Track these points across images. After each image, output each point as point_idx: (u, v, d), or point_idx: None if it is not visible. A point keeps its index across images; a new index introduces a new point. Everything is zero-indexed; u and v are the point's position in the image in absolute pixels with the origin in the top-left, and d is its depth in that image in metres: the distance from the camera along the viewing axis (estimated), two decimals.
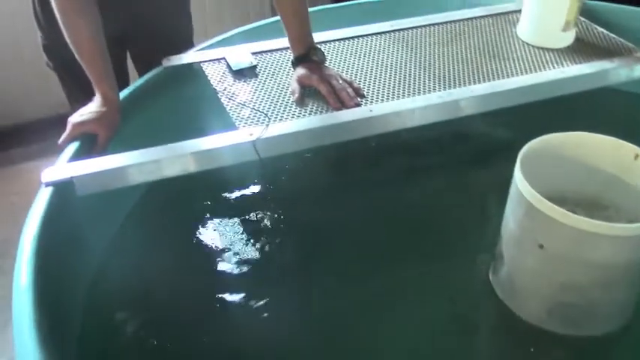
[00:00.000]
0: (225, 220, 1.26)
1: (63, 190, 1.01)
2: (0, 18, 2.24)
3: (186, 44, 1.50)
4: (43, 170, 1.03)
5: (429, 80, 1.31)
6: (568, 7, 1.41)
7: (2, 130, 2.45)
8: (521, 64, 1.38)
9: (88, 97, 1.19)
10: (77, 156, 1.09)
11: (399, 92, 1.27)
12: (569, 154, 1.07)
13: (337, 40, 1.48)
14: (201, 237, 1.22)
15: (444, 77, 1.32)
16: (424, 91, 1.27)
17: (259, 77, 1.33)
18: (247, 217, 1.27)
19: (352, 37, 1.49)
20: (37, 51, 1.46)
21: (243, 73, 1.33)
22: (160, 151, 1.08)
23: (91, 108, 1.15)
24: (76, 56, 1.15)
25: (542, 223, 0.92)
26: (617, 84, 1.40)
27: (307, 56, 1.30)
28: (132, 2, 1.39)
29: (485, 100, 1.26)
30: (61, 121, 1.58)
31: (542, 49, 1.44)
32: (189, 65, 1.38)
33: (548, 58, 1.40)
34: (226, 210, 1.29)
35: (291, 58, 1.33)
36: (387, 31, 1.52)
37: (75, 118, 1.14)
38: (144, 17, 1.42)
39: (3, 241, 2.02)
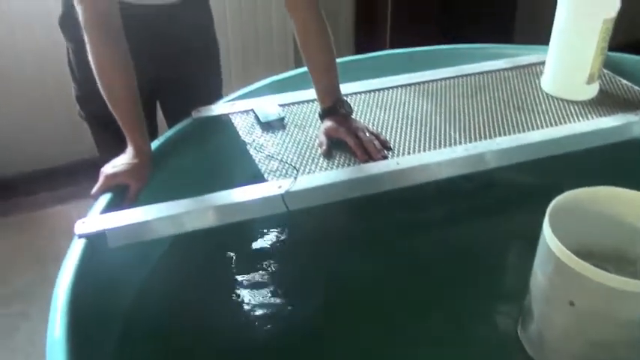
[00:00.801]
0: (253, 269, 1.27)
1: (95, 241, 1.03)
2: (32, 65, 2.30)
3: (215, 95, 1.53)
4: (70, 214, 1.05)
5: (455, 132, 1.32)
6: (592, 60, 1.43)
7: (32, 175, 2.50)
8: (546, 116, 1.39)
9: (118, 146, 1.21)
10: (109, 207, 1.11)
11: (425, 144, 1.28)
12: (596, 209, 1.07)
13: (363, 92, 1.50)
14: (228, 283, 1.23)
15: (469, 129, 1.34)
16: (450, 144, 1.28)
17: (287, 129, 1.35)
18: (272, 264, 1.28)
19: (378, 89, 1.52)
20: (68, 99, 1.50)
21: (271, 125, 1.36)
22: (190, 203, 1.09)
23: (124, 160, 1.18)
24: (110, 108, 1.19)
25: (572, 280, 0.92)
26: None
27: (334, 109, 1.32)
28: (164, 55, 1.43)
29: (511, 153, 1.27)
30: (88, 166, 1.62)
31: (567, 101, 1.45)
32: (219, 117, 1.41)
33: (572, 110, 1.42)
34: (253, 258, 1.30)
35: (319, 110, 1.36)
36: (413, 83, 1.54)
37: (107, 169, 1.17)
38: (175, 69, 1.46)
39: (28, 285, 2.04)
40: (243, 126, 1.37)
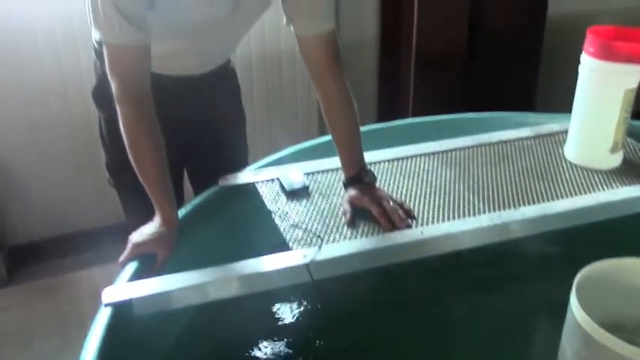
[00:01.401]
0: (276, 337, 1.27)
1: (121, 309, 1.04)
2: (64, 132, 2.37)
3: (241, 163, 1.56)
4: (94, 280, 1.07)
5: (478, 201, 1.33)
6: (614, 129, 1.44)
7: (58, 239, 2.53)
8: (570, 185, 1.39)
9: (146, 213, 1.23)
10: (136, 276, 1.12)
11: (448, 214, 1.29)
12: (624, 281, 1.06)
13: (387, 160, 1.52)
14: (252, 350, 1.22)
15: (493, 198, 1.34)
16: (474, 213, 1.29)
17: (311, 198, 1.37)
18: (296, 333, 1.27)
19: (401, 158, 1.53)
20: (97, 166, 1.54)
21: (296, 194, 1.38)
22: (214, 272, 1.10)
23: (151, 228, 1.20)
24: (139, 177, 1.21)
25: (602, 355, 0.90)
26: None
27: (358, 178, 1.34)
28: (192, 124, 1.46)
29: (535, 223, 1.27)
30: (114, 232, 1.65)
31: (590, 170, 1.46)
32: (244, 185, 1.43)
33: (596, 179, 1.42)
34: (278, 327, 1.30)
35: (343, 178, 1.37)
36: (436, 152, 1.56)
37: (135, 237, 1.19)
38: (203, 138, 1.50)
39: (53, 350, 2.04)
40: (269, 194, 1.39)
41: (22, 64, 2.22)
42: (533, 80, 2.70)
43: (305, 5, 1.25)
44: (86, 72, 2.02)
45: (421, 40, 2.38)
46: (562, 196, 1.35)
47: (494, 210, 1.30)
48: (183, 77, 1.41)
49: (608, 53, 1.38)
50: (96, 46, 1.38)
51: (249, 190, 1.42)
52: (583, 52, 1.43)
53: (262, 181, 1.44)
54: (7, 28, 2.15)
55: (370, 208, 1.27)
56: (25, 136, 2.33)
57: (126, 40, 1.13)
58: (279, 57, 2.52)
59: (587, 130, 1.48)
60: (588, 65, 1.42)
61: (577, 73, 1.46)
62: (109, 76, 1.18)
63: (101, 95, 1.41)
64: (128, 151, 1.20)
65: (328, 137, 1.42)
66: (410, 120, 1.82)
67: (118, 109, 1.18)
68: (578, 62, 1.44)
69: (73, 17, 2.16)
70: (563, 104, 1.64)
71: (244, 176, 1.46)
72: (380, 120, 2.57)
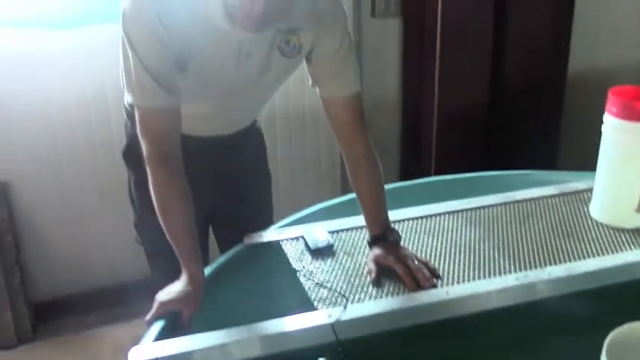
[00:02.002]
0: None
1: None
2: (93, 191, 2.41)
3: (266, 221, 1.57)
4: (117, 336, 1.07)
5: (504, 261, 1.32)
6: None
7: (82, 295, 2.54)
8: (597, 244, 1.39)
9: (172, 271, 1.24)
10: (162, 335, 1.13)
11: (474, 273, 1.28)
12: None
13: (411, 219, 1.52)
14: None
15: (519, 258, 1.34)
16: (499, 273, 1.28)
17: (336, 256, 1.38)
18: None
19: (426, 216, 1.54)
20: (124, 224, 1.56)
21: (321, 252, 1.38)
22: (239, 332, 1.11)
23: (178, 287, 1.21)
24: (167, 235, 1.23)
25: None
26: None
27: (383, 236, 1.34)
28: (219, 184, 1.49)
29: (562, 283, 1.26)
30: (138, 288, 1.66)
31: (617, 229, 1.45)
32: (269, 243, 1.44)
33: (623, 238, 1.41)
34: None
35: (367, 237, 1.38)
36: (460, 210, 1.56)
37: (162, 296, 1.20)
38: (230, 197, 1.52)
39: None
40: (293, 253, 1.40)
41: (53, 123, 2.28)
42: (556, 137, 2.71)
43: (331, 69, 1.29)
44: (116, 133, 2.09)
45: (443, 99, 2.41)
46: (589, 256, 1.34)
47: (520, 269, 1.29)
48: (211, 138, 1.44)
49: (630, 113, 1.39)
50: (127, 107, 1.43)
51: (274, 248, 1.43)
52: (606, 112, 1.44)
53: (287, 240, 1.45)
54: (40, 87, 2.21)
55: (395, 267, 1.27)
56: (55, 193, 2.38)
57: (157, 102, 1.17)
58: (303, 114, 2.56)
59: (612, 189, 1.48)
60: (611, 125, 1.43)
61: (600, 130, 1.47)
62: (139, 137, 1.21)
63: (131, 155, 1.45)
64: (157, 210, 1.22)
65: (352, 195, 1.44)
66: (433, 178, 1.83)
67: (147, 169, 1.21)
68: (600, 118, 1.45)
69: (105, 79, 2.22)
70: (586, 161, 1.65)
71: (269, 234, 1.47)
72: (403, 178, 2.58)
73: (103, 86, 2.25)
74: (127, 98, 1.23)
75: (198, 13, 1.15)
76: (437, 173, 2.39)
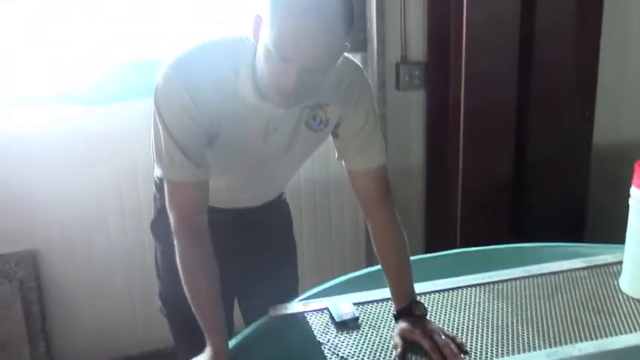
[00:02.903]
0: None
1: None
2: (121, 260, 2.43)
3: (292, 293, 1.57)
4: None
5: (533, 336, 1.30)
6: None
7: None
8: (627, 320, 1.36)
9: (196, 342, 1.24)
10: None
11: (502, 348, 1.26)
12: None
13: (436, 291, 1.51)
14: None
15: (548, 332, 1.31)
16: (528, 348, 1.26)
17: (362, 329, 1.36)
18: None
19: (452, 289, 1.52)
20: (149, 293, 1.56)
21: (346, 325, 1.37)
22: None
23: (202, 359, 1.20)
24: (193, 307, 1.23)
25: None
26: None
27: (409, 310, 1.33)
28: (245, 255, 1.50)
29: None
30: (160, 357, 1.65)
31: None
32: (294, 315, 1.44)
33: None
34: None
35: (393, 310, 1.37)
36: (487, 283, 1.54)
37: None
38: (255, 269, 1.52)
39: None
40: (318, 325, 1.39)
41: (84, 196, 2.33)
42: (581, 208, 2.68)
43: (357, 144, 1.31)
44: (145, 203, 2.13)
45: (467, 172, 2.42)
46: (620, 332, 1.31)
47: (550, 345, 1.27)
48: (236, 210, 1.46)
49: None
50: (157, 180, 1.46)
51: (299, 320, 1.42)
52: (632, 185, 1.43)
53: (312, 312, 1.44)
54: (73, 158, 2.27)
55: (421, 342, 1.25)
56: (83, 261, 2.40)
57: (186, 176, 1.20)
58: (328, 184, 2.58)
59: None
60: (638, 198, 1.43)
61: (626, 201, 1.46)
62: (168, 209, 1.24)
63: (159, 227, 1.47)
64: (183, 281, 1.23)
65: (377, 267, 1.44)
66: (459, 250, 1.82)
67: (175, 241, 1.23)
68: (626, 191, 1.45)
69: (136, 151, 2.28)
70: (613, 233, 1.63)
71: (294, 306, 1.47)
72: (427, 249, 2.57)
73: (134, 158, 2.31)
74: (157, 171, 1.26)
75: (228, 90, 1.19)
76: (462, 245, 2.37)
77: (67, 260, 2.39)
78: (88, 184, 2.32)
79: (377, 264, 1.42)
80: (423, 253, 1.83)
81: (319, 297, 1.51)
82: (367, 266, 1.72)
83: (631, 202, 1.45)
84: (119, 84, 2.23)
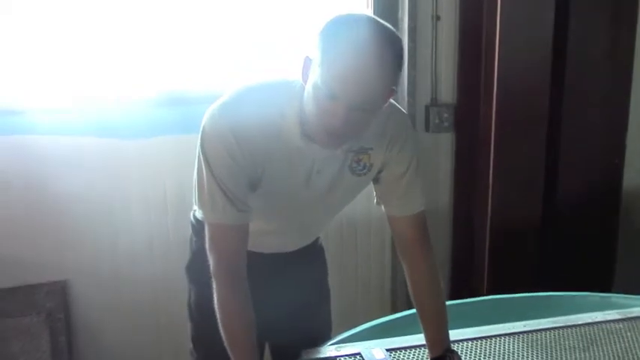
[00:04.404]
0: None
1: None
2: (150, 299, 2.42)
3: (324, 338, 1.56)
4: None
5: None
6: None
7: None
8: None
9: None
10: None
11: None
12: None
13: (470, 339, 1.50)
14: None
15: None
16: None
17: None
18: None
19: (485, 337, 1.51)
20: (176, 337, 1.54)
21: None
22: None
23: None
24: (229, 350, 1.22)
25: None
26: None
27: (444, 358, 1.32)
28: (278, 300, 1.49)
29: None
30: None
31: None
32: (326, 359, 1.43)
33: None
34: None
35: (427, 357, 1.35)
36: (520, 332, 1.53)
37: None
38: (288, 314, 1.52)
39: None
40: None
41: (114, 229, 2.34)
42: (611, 257, 2.65)
43: (399, 190, 1.31)
44: (174, 241, 2.14)
45: (495, 218, 2.41)
46: None
47: None
48: (274, 255, 1.46)
49: None
50: (194, 222, 1.47)
51: None
52: None
53: (344, 356, 1.44)
54: (104, 191, 2.29)
55: None
56: (111, 294, 2.39)
57: (228, 220, 1.21)
58: (355, 229, 2.56)
59: None
60: None
61: None
62: (208, 252, 1.24)
63: (194, 270, 1.48)
64: (220, 324, 1.22)
65: (406, 312, 1.43)
66: (491, 297, 1.81)
67: (213, 284, 1.23)
68: None
69: (167, 189, 2.30)
70: None
71: (327, 351, 1.46)
72: (453, 296, 2.52)
73: (164, 194, 2.32)
74: (198, 214, 1.27)
75: (273, 132, 1.20)
76: (488, 292, 2.35)
77: (96, 292, 2.38)
78: (119, 217, 2.33)
79: (402, 309, 1.41)
80: (448, 298, 1.82)
81: (350, 341, 1.51)
82: (392, 311, 1.71)
83: None
84: (151, 120, 2.25)
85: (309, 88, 1.13)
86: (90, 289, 2.38)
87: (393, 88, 1.14)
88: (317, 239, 1.58)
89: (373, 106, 1.12)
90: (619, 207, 2.64)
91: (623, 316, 1.61)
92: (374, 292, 2.67)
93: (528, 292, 1.82)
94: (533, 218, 2.45)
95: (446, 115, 2.56)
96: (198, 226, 1.46)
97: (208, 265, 1.25)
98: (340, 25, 1.10)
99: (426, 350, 1.38)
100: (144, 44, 2.17)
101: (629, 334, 1.53)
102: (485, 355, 1.44)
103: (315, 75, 1.10)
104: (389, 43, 1.08)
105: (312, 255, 1.56)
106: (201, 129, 1.21)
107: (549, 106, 2.38)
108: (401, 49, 1.11)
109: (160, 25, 2.18)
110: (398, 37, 1.10)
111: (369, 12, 2.36)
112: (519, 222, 2.44)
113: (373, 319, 1.66)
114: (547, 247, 2.49)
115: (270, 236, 1.40)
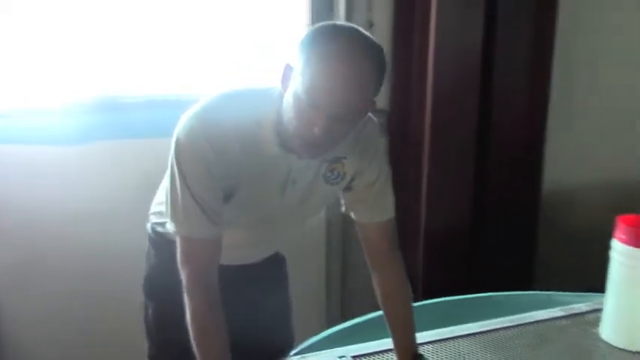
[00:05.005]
0: None
1: None
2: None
3: (286, 349, 1.54)
4: None
5: None
6: None
7: None
8: None
9: None
10: None
11: None
12: None
13: (428, 342, 1.52)
14: None
15: None
16: None
17: None
18: None
19: (443, 340, 1.54)
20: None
21: None
22: None
23: None
24: None
25: None
26: None
27: None
28: (240, 313, 1.45)
29: None
30: None
31: (631, 352, 1.49)
32: None
33: None
34: None
35: None
36: (476, 333, 1.58)
37: None
38: (250, 327, 1.47)
39: None
40: None
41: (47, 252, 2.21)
42: (530, 254, 2.76)
43: (369, 197, 1.32)
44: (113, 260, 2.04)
45: (429, 218, 2.47)
46: None
47: None
48: (239, 267, 1.42)
49: (638, 240, 1.47)
50: (152, 236, 1.41)
51: None
52: (614, 239, 1.51)
53: None
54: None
55: None
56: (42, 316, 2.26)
57: (203, 234, 1.17)
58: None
59: (623, 312, 1.53)
60: (620, 251, 1.50)
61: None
62: (180, 267, 1.19)
63: (153, 285, 1.42)
64: (194, 341, 1.18)
65: (361, 319, 1.43)
66: (442, 299, 1.85)
67: (186, 299, 1.18)
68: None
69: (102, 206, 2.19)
70: (565, 278, 1.69)
71: None
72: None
73: (98, 203, 2.21)
74: (170, 227, 1.22)
75: (249, 141, 1.17)
76: (424, 293, 2.40)
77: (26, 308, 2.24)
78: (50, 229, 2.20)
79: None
80: None
81: (311, 351, 1.50)
82: (328, 325, 1.72)
83: (612, 254, 1.53)
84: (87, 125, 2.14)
85: (288, 96, 1.11)
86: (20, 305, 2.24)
87: (374, 100, 1.14)
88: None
89: (354, 117, 1.12)
90: (539, 205, 2.76)
91: (567, 313, 1.69)
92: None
93: (459, 294, 1.88)
94: (465, 220, 2.53)
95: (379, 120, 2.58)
96: (158, 240, 1.41)
97: (172, 280, 1.20)
98: (324, 34, 1.08)
99: (393, 356, 1.39)
100: (80, 47, 2.07)
101: (574, 330, 1.61)
102: (448, 357, 1.47)
103: (296, 83, 1.08)
104: (371, 54, 1.08)
105: (275, 265, 1.55)
106: (174, 138, 1.16)
107: (478, 110, 2.46)
108: (383, 60, 1.11)
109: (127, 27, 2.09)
110: (381, 48, 1.10)
111: (306, 16, 2.36)
112: (452, 224, 2.51)
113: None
114: (478, 247, 2.58)
115: (238, 247, 1.36)
